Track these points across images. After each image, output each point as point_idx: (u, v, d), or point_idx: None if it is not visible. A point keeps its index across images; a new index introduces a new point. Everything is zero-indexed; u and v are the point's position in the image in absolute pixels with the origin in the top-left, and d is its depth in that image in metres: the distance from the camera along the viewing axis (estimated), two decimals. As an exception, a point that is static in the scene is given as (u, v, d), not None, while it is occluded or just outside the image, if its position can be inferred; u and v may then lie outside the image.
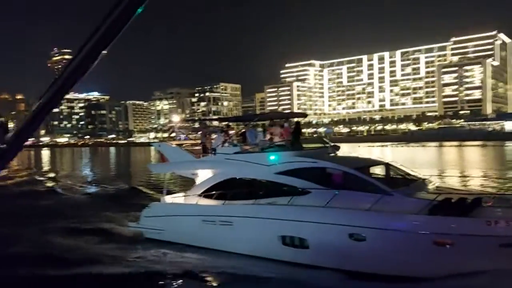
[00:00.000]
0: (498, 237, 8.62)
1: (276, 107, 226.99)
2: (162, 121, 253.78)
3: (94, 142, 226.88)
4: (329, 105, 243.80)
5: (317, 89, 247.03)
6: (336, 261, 10.26)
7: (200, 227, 12.97)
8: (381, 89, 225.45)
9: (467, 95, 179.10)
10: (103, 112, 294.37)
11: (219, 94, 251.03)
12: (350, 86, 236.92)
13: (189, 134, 20.82)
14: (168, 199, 15.40)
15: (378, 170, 12.54)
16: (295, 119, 15.62)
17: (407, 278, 9.33)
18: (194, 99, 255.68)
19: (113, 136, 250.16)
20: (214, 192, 13.56)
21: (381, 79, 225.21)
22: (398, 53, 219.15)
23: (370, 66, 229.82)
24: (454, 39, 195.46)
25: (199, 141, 15.93)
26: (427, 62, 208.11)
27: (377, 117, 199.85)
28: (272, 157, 12.37)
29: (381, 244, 9.66)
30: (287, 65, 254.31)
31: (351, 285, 9.73)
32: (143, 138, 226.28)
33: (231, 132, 15.81)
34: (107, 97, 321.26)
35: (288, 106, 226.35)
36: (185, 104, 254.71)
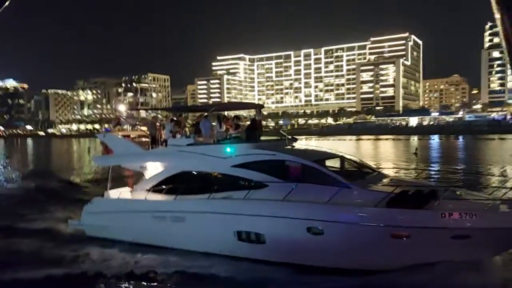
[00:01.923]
0: (451, 229, 8.80)
1: (207, 100, 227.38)
2: (86, 112, 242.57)
3: (9, 134, 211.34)
4: (259, 99, 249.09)
5: (247, 83, 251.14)
6: (294, 256, 10.07)
7: (149, 224, 12.19)
8: (307, 85, 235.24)
9: (382, 92, 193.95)
10: (21, 101, 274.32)
11: (147, 85, 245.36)
12: (278, 81, 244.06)
13: (137, 125, 19.93)
14: (113, 194, 14.23)
15: (334, 163, 12.26)
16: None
17: (364, 272, 9.37)
18: (120, 90, 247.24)
19: (30, 128, 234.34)
20: (165, 186, 12.78)
21: (307, 75, 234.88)
22: (322, 50, 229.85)
23: (297, 62, 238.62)
24: (372, 39, 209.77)
25: (147, 132, 14.79)
26: (348, 60, 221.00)
27: (305, 111, 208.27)
28: (228, 149, 11.85)
29: (339, 237, 9.50)
30: (218, 58, 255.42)
31: (308, 280, 9.48)
32: (64, 130, 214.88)
33: (184, 122, 15.03)
34: (25, 85, 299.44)
35: (219, 99, 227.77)
36: (111, 94, 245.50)
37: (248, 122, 13.48)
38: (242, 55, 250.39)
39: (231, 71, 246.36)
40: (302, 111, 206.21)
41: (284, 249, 10.11)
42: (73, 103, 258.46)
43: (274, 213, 10.19)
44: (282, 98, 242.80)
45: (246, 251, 10.66)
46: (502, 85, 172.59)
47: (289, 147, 12.82)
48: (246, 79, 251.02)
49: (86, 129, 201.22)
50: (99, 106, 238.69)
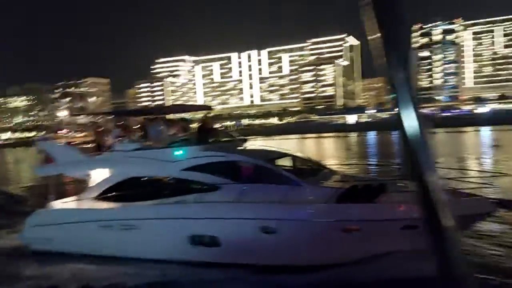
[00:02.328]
0: (400, 220, 9.00)
1: (150, 103, 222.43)
2: (20, 119, 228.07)
3: None
4: (204, 101, 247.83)
5: (191, 85, 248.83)
6: (249, 256, 10.02)
7: (97, 234, 11.68)
8: (251, 86, 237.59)
9: (322, 91, 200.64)
10: None
11: (85, 89, 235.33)
12: (222, 82, 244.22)
13: (76, 131, 18.59)
14: (57, 204, 13.56)
15: (285, 162, 12.24)
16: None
17: (318, 267, 9.49)
18: (56, 95, 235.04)
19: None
20: (111, 193, 12.34)
21: (251, 76, 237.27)
22: (264, 52, 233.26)
23: (240, 64, 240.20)
24: (311, 40, 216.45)
25: (91, 138, 14.21)
26: (290, 61, 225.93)
27: (251, 111, 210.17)
28: (177, 153, 11.62)
29: (292, 235, 9.59)
30: (159, 60, 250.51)
31: (263, 279, 9.52)
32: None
33: (130, 126, 14.67)
34: None
35: (162, 102, 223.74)
36: (46, 100, 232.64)
37: (198, 124, 13.30)
38: (184, 56, 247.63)
39: (173, 73, 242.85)
40: (247, 111, 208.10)
41: (239, 250, 10.03)
42: (5, 110, 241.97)
43: (227, 215, 10.13)
44: (227, 99, 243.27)
45: (200, 255, 10.46)
46: (431, 82, 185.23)
47: (239, 147, 12.73)
48: (189, 81, 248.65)
49: (20, 138, 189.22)
50: (33, 113, 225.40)
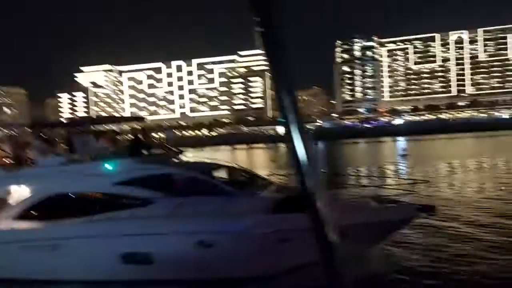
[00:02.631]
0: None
1: (72, 114, 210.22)
2: None
3: None
4: (131, 113, 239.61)
5: (117, 96, 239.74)
6: (184, 272, 9.73)
7: (18, 256, 10.76)
8: (181, 97, 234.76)
9: (252, 103, 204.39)
10: None
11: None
12: (150, 93, 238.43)
13: None
14: None
15: (221, 173, 12.11)
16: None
17: (256, 279, 9.43)
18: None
19: None
20: (35, 212, 11.45)
21: (181, 88, 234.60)
22: (194, 63, 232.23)
23: (169, 75, 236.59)
24: (242, 53, 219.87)
25: (8, 152, 13.10)
26: (220, 73, 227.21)
27: (182, 123, 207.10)
28: (108, 166, 11.10)
29: (229, 248, 9.42)
30: (83, 69, 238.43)
31: None
32: None
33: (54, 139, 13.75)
34: None
35: (85, 113, 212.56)
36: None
37: (129, 136, 12.80)
38: (110, 66, 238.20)
39: (98, 83, 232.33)
40: (178, 123, 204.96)
41: (174, 266, 9.69)
42: None
43: (161, 230, 9.79)
44: (156, 110, 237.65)
45: (133, 273, 10.01)
46: (352, 95, 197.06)
47: (174, 160, 12.39)
48: (115, 91, 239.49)
49: None
50: None
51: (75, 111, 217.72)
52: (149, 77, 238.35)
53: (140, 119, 15.37)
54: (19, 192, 12.02)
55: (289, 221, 9.34)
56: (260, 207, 9.67)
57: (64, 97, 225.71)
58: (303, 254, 9.39)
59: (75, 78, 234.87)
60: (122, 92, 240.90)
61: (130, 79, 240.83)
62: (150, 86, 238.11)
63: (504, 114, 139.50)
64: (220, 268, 9.70)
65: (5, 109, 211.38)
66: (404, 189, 11.19)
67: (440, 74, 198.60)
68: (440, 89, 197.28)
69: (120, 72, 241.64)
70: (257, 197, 10.39)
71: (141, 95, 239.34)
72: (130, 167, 11.05)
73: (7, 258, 10.93)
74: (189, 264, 9.65)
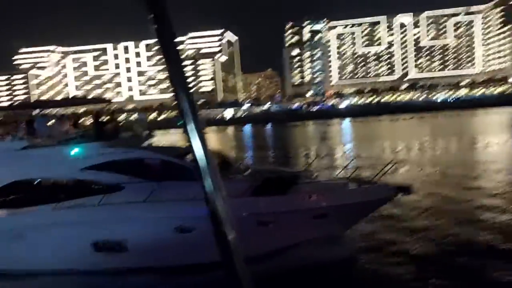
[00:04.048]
0: (311, 210, 9.32)
1: (11, 98, 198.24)
2: None
3: None
4: (65, 98, 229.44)
5: (61, 78, 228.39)
6: (161, 258, 9.39)
7: None
8: (129, 79, 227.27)
9: (202, 86, 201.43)
10: None
11: None
12: (96, 75, 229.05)
13: None
14: None
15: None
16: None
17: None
18: None
19: None
20: None
21: (128, 70, 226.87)
22: (142, 44, 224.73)
23: (117, 56, 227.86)
24: (189, 34, 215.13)
25: None
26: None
27: (130, 106, 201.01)
28: (74, 151, 10.64)
29: (209, 232, 9.22)
30: (22, 50, 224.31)
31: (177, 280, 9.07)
32: None
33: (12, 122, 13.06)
34: None
35: (26, 96, 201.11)
36: None
37: (94, 119, 12.01)
38: (51, 47, 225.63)
39: (39, 65, 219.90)
40: (126, 106, 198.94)
41: (150, 253, 9.37)
42: None
43: (136, 216, 9.47)
44: (103, 93, 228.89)
45: (106, 262, 9.66)
46: (302, 78, 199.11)
47: (145, 143, 11.98)
48: (58, 73, 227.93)
49: None
50: None
51: (14, 94, 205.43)
52: (95, 58, 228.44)
53: (106, 100, 14.53)
54: None
55: (268, 204, 9.29)
56: (238, 191, 9.36)
57: (1, 80, 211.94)
58: (283, 236, 9.34)
59: (14, 60, 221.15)
60: (66, 74, 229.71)
61: (74, 60, 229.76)
62: (96, 68, 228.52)
63: (440, 97, 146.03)
64: (201, 253, 9.27)
65: None
66: (381, 170, 11.05)
67: (385, 57, 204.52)
68: (385, 72, 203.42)
69: (64, 53, 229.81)
70: (234, 180, 10.09)
71: (87, 78, 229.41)
72: (98, 151, 10.56)
73: None
74: (168, 250, 9.29)
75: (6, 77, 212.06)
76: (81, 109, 13.99)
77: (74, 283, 9.49)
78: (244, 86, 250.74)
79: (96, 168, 10.35)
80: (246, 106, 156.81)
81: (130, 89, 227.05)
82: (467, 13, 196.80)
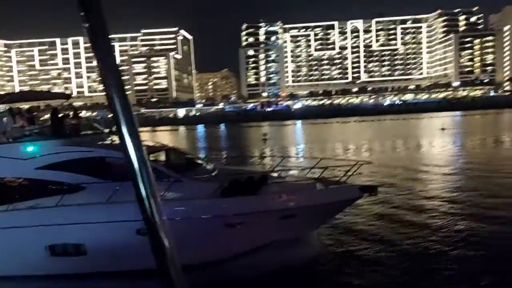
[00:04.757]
0: (279, 211, 9.10)
1: None
2: None
3: None
4: (20, 91, 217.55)
5: (4, 72, 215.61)
6: (122, 262, 8.96)
7: None
8: (78, 75, 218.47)
9: (155, 84, 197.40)
10: None
11: None
12: (44, 70, 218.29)
13: None
14: None
15: (159, 156, 11.46)
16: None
17: (201, 266, 8.76)
18: None
19: None
20: None
21: (78, 65, 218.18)
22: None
23: (65, 51, 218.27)
24: (143, 31, 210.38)
25: None
26: (120, 51, 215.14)
27: (78, 103, 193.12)
28: (29, 148, 10.07)
29: (172, 234, 8.14)
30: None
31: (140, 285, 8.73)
32: None
33: None
34: None
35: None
36: None
37: (51, 115, 11.25)
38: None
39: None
40: (74, 103, 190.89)
41: (110, 257, 8.90)
42: None
43: (96, 219, 8.94)
44: (50, 89, 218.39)
45: (62, 266, 9.19)
46: (257, 79, 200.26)
47: (106, 141, 11.19)
48: (2, 67, 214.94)
49: None
50: None
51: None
52: (42, 52, 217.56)
53: (65, 95, 13.62)
54: None
55: (236, 205, 8.97)
56: (206, 192, 9.11)
57: None
58: (251, 238, 9.08)
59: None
60: (10, 68, 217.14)
61: (19, 54, 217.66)
62: (43, 62, 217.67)
63: (387, 101, 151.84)
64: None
65: None
66: (346, 170, 10.78)
67: (338, 61, 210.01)
68: (338, 75, 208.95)
69: (8, 46, 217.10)
70: (202, 181, 9.78)
71: (33, 72, 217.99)
72: (55, 149, 9.93)
73: None
74: (128, 253, 8.74)
75: None
76: (38, 104, 13.40)
77: None
78: (199, 86, 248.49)
79: (54, 167, 9.80)
80: (199, 105, 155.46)
81: (80, 85, 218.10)
82: (414, 21, 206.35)
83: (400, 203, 16.10)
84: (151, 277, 8.07)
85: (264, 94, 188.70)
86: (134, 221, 8.77)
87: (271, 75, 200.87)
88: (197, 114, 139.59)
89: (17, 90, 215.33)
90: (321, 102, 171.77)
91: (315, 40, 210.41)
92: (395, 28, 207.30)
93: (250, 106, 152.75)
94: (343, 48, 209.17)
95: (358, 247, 11.38)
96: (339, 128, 71.55)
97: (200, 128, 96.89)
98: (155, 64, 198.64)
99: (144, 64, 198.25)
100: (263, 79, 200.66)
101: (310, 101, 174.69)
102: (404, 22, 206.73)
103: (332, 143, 43.36)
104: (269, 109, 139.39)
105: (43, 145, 10.29)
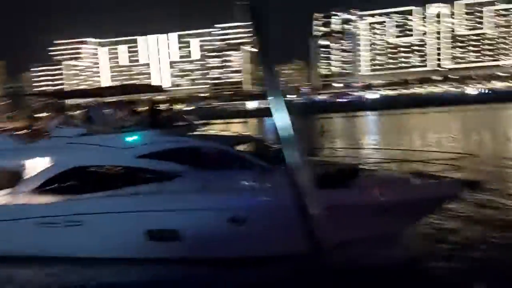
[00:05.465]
0: (372, 205, 8.76)
1: (47, 88, 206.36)
2: None
3: None
4: (121, 84, 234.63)
5: (94, 69, 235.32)
6: (215, 250, 9.17)
7: (36, 232, 10.17)
8: (160, 71, 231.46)
9: (230, 77, 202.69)
10: None
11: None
12: (129, 66, 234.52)
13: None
14: None
15: (250, 147, 11.35)
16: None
17: (291, 257, 8.61)
18: None
19: None
20: (52, 186, 10.92)
21: (160, 61, 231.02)
22: (174, 35, 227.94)
23: (149, 47, 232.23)
24: (220, 25, 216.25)
25: (24, 124, 12.57)
26: (200, 46, 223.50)
27: (159, 97, 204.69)
28: (130, 138, 10.54)
29: (264, 224, 8.83)
30: (58, 41, 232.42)
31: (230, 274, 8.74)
32: None
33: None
34: None
35: (62, 86, 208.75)
36: None
37: (149, 107, 11.86)
38: (87, 38, 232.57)
39: (73, 56, 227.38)
40: (160, 97, 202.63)
41: (203, 244, 9.16)
42: None
43: (190, 206, 9.21)
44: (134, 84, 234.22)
45: (159, 251, 9.52)
46: (330, 69, 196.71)
47: (199, 132, 11.70)
48: (92, 64, 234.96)
49: None
50: None
51: (53, 84, 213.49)
52: (128, 50, 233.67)
53: (160, 89, 14.74)
54: (36, 165, 11.37)
55: (328, 196, 8.48)
56: (298, 181, 9.12)
57: (40, 70, 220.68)
58: (342, 231, 8.48)
59: (51, 51, 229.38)
60: (100, 65, 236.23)
61: (108, 51, 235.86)
62: (129, 59, 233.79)
63: (474, 90, 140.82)
64: (253, 246, 9.03)
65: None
66: (446, 164, 10.19)
67: (417, 48, 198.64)
68: (418, 63, 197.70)
69: (98, 44, 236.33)
70: (293, 172, 9.86)
71: (120, 68, 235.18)
72: (153, 139, 10.50)
73: (22, 234, 10.29)
74: (220, 242, 9.04)
75: (43, 68, 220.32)
76: (136, 97, 14.00)
77: (126, 271, 9.34)
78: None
79: (152, 156, 10.25)
80: (270, 97, 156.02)
81: (161, 80, 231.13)
82: (507, 1, 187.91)
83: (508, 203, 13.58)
84: (243, 266, 8.26)
85: (337, 85, 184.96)
86: (227, 210, 9.04)
87: (344, 65, 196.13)
88: (267, 106, 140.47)
89: (106, 85, 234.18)
90: (398, 92, 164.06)
91: (393, 26, 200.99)
92: (481, 11, 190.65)
93: (323, 97, 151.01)
94: (423, 34, 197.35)
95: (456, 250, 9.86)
96: (419, 119, 66.52)
97: (269, 121, 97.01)
98: (229, 58, 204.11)
99: (220, 59, 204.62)
100: (336, 69, 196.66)
101: (386, 91, 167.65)
102: (491, 3, 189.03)
103: (415, 135, 40.10)
104: (341, 100, 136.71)
105: (142, 135, 10.67)
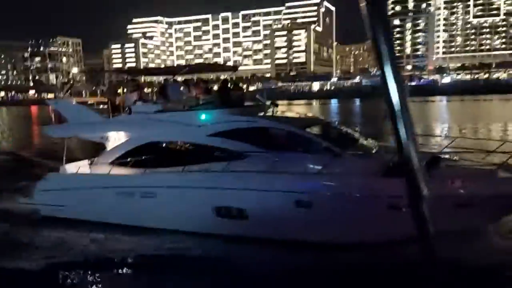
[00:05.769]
0: (453, 197, 8.24)
1: (121, 65, 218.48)
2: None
3: None
4: (195, 63, 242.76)
5: (165, 47, 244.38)
6: (279, 231, 9.12)
7: (114, 201, 10.84)
8: (226, 50, 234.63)
9: (295, 57, 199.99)
10: None
11: (56, 49, 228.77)
12: (197, 45, 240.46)
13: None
14: (70, 168, 12.63)
15: (319, 130, 11.14)
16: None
17: (358, 246, 8.40)
18: (26, 54, 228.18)
19: None
20: (130, 159, 11.53)
21: (226, 40, 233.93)
22: (240, 15, 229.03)
23: (216, 27, 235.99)
24: (287, 4, 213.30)
25: (104, 99, 13.19)
26: (265, 26, 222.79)
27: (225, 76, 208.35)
28: (203, 116, 10.79)
29: (329, 210, 8.80)
30: (134, 20, 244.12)
31: (297, 257, 8.59)
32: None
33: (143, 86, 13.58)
34: None
35: (134, 64, 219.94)
36: (16, 59, 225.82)
37: (220, 86, 11.85)
38: (159, 18, 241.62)
39: (147, 34, 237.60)
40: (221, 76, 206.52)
41: (269, 224, 9.15)
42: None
43: (257, 186, 9.30)
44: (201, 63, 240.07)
45: (226, 228, 9.67)
46: (401, 51, 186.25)
47: (269, 113, 11.64)
48: (164, 43, 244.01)
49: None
50: (3, 72, 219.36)
51: (124, 62, 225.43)
52: (196, 29, 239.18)
53: (233, 68, 14.34)
54: (116, 139, 12.10)
55: (401, 186, 8.19)
56: (367, 169, 8.77)
57: (116, 48, 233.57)
58: (412, 224, 8.43)
59: (128, 30, 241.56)
60: (171, 44, 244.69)
61: (178, 30, 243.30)
62: (197, 38, 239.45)
63: None
64: (317, 231, 8.91)
65: (64, 59, 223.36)
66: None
67: (502, 29, 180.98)
68: (501, 46, 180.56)
69: (169, 24, 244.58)
70: (363, 158, 9.49)
71: (188, 48, 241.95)
72: (225, 118, 10.63)
73: (102, 203, 11.03)
74: (285, 223, 9.02)
75: (119, 46, 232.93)
76: (211, 76, 14.59)
77: (193, 245, 9.45)
78: (340, 59, 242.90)
79: (222, 135, 10.34)
80: (334, 79, 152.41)
81: (227, 59, 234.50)
82: None
83: None
84: (310, 249, 7.97)
85: (409, 67, 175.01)
86: (293, 192, 9.02)
87: (418, 46, 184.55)
88: (332, 88, 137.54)
89: (175, 64, 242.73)
90: (475, 76, 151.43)
91: (475, 5, 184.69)
92: None
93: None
94: (509, 14, 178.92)
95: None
96: (500, 107, 60.15)
97: (334, 103, 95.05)
98: (295, 38, 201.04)
99: (285, 38, 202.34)
100: (408, 51, 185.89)
101: (462, 75, 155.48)
102: None
103: (497, 124, 34.89)
104: (412, 83, 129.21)
105: (213, 114, 10.83)
